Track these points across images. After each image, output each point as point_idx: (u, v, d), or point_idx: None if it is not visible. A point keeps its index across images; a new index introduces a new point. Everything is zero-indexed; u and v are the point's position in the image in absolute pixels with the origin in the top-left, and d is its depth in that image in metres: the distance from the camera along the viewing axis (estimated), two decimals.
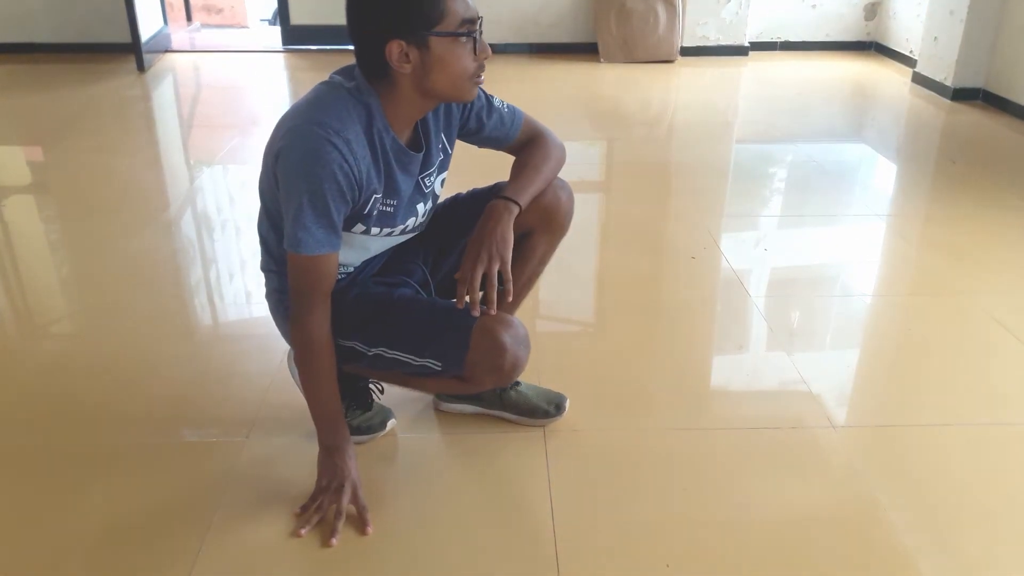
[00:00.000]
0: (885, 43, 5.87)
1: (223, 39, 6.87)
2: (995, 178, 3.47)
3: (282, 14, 6.03)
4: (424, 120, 1.51)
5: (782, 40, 6.06)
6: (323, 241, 1.38)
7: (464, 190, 1.74)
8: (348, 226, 1.46)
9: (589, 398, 1.90)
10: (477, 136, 1.63)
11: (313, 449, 1.58)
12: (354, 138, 1.36)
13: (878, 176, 3.70)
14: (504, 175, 1.62)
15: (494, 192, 1.61)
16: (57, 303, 2.48)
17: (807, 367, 2.06)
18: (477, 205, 1.57)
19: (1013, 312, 2.31)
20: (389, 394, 1.83)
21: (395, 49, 1.34)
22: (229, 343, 2.26)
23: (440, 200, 1.69)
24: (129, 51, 5.36)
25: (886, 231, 2.98)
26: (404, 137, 1.48)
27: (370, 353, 1.55)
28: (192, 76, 5.49)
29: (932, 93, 4.81)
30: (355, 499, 1.53)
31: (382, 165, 1.44)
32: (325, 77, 1.45)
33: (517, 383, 1.81)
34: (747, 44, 5.88)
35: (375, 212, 1.47)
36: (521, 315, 1.68)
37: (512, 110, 1.63)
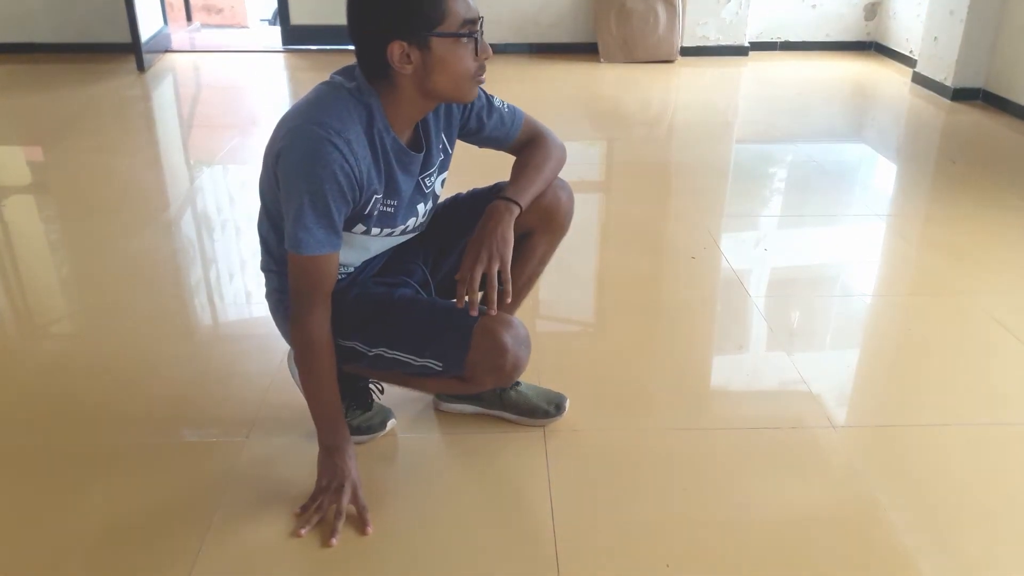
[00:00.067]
0: (885, 43, 5.87)
1: (223, 39, 6.86)
2: (995, 178, 3.47)
3: (282, 14, 6.03)
4: (424, 120, 1.51)
5: (782, 40, 6.06)
6: (324, 241, 1.38)
7: (464, 190, 1.74)
8: (348, 226, 1.46)
9: (589, 398, 1.90)
10: (477, 136, 1.63)
11: (313, 449, 1.58)
12: (355, 138, 1.36)
13: (878, 176, 3.70)
14: (504, 175, 1.62)
15: (494, 192, 1.61)
16: (57, 303, 2.48)
17: (807, 367, 2.06)
18: (477, 205, 1.57)
19: (1013, 312, 2.31)
20: (389, 394, 1.83)
21: (396, 50, 1.34)
22: (229, 343, 2.26)
23: (440, 200, 1.69)
24: (129, 51, 5.37)
25: (886, 231, 2.98)
26: (405, 137, 1.48)
27: (370, 353, 1.55)
28: (192, 76, 5.49)
29: (932, 93, 4.81)
30: (355, 499, 1.53)
31: (383, 165, 1.44)
32: (325, 77, 1.45)
33: (517, 383, 1.81)
34: (747, 44, 5.88)
35: (375, 212, 1.47)
36: (521, 315, 1.68)
37: (512, 110, 1.63)
